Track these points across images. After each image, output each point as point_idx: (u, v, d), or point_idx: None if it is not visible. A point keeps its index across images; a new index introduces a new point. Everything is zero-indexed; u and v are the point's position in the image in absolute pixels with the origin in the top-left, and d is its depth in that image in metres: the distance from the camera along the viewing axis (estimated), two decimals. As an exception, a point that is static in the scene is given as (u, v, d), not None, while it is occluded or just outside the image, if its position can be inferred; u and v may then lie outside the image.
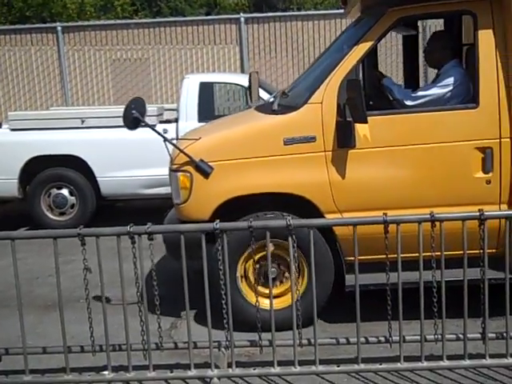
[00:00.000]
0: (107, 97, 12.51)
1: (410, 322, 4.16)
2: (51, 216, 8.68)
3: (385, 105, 5.07)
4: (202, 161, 4.77)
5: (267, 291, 4.29)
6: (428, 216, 3.76)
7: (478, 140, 4.68)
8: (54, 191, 8.66)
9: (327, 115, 4.68)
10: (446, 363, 3.85)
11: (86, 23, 13.93)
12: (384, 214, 3.80)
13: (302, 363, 3.85)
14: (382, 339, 4.05)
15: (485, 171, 4.71)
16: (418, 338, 3.88)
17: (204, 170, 4.77)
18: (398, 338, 3.85)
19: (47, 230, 7.26)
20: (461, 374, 3.99)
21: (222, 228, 3.80)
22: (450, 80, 4.91)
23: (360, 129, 4.63)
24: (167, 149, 5.04)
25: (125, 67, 12.45)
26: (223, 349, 4.13)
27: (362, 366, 3.84)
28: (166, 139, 4.95)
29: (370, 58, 6.11)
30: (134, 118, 4.82)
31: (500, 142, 4.66)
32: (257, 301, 4.00)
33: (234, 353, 3.94)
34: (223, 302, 3.85)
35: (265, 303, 4.29)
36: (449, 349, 3.94)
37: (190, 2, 26.98)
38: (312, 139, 4.71)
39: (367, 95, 5.48)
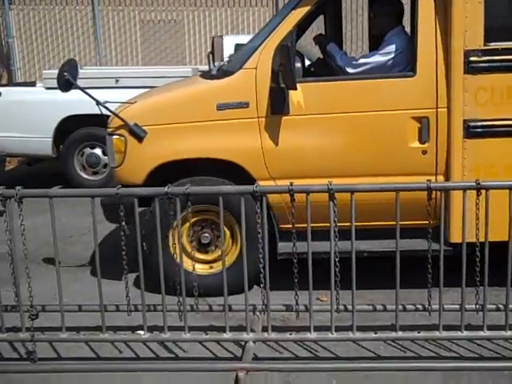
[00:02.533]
0: (141, 57, 12.46)
1: (448, 290, 4.06)
2: (84, 175, 8.74)
3: (328, 71, 4.97)
4: (135, 125, 4.73)
5: (202, 256, 4.72)
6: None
7: (415, 109, 4.57)
8: (88, 150, 8.71)
9: (261, 81, 4.59)
10: (486, 333, 3.76)
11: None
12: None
13: (338, 329, 3.79)
14: (420, 307, 3.97)
15: (421, 141, 4.60)
16: (458, 307, 3.79)
17: (137, 134, 4.73)
18: (436, 306, 3.76)
19: (84, 188, 7.28)
20: (500, 345, 3.91)
21: (262, 191, 3.72)
22: (392, 47, 4.78)
23: (294, 95, 4.54)
24: (101, 111, 4.94)
25: (158, 28, 12.36)
26: (258, 313, 4.10)
27: (400, 334, 3.76)
28: (98, 102, 4.86)
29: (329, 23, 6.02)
30: (65, 80, 4.74)
31: (437, 111, 4.55)
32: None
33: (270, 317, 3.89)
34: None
35: (199, 268, 4.27)
36: (488, 319, 3.83)
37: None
38: (245, 105, 4.63)
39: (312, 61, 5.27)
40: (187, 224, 4.53)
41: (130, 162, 4.83)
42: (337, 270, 3.70)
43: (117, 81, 8.52)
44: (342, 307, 3.94)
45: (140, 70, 9.89)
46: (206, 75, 5.07)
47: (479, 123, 4.50)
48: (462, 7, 4.38)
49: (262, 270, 3.75)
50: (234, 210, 4.09)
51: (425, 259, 3.72)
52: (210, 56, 5.67)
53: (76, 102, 8.36)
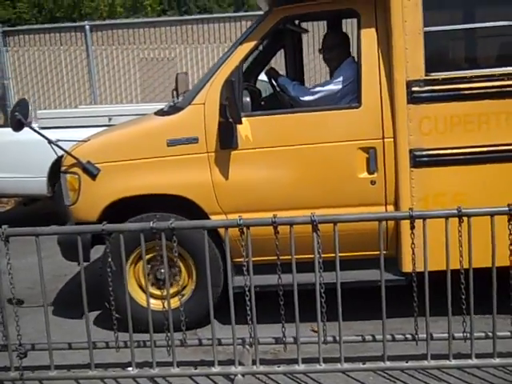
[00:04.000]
0: (134, 95, 12.63)
1: (437, 319, 4.08)
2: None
3: (279, 105, 5.07)
4: (88, 162, 4.82)
5: (157, 292, 4.70)
6: (456, 211, 3.66)
7: (362, 140, 4.64)
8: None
9: (210, 116, 4.68)
10: (474, 361, 3.77)
11: (113, 21, 14.01)
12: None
13: (326, 360, 3.81)
14: (409, 337, 3.99)
15: (369, 172, 4.66)
16: (446, 335, 3.80)
17: (90, 172, 4.82)
18: (424, 335, 3.77)
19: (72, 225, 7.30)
20: (490, 373, 3.92)
21: (246, 224, 3.76)
22: (344, 77, 4.86)
23: (242, 130, 4.64)
24: (54, 150, 5.09)
25: (152, 66, 12.50)
26: (247, 346, 4.11)
27: (389, 364, 3.78)
28: (50, 141, 4.97)
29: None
30: (17, 120, 4.87)
31: (383, 142, 4.63)
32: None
33: (259, 350, 3.90)
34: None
35: (152, 304, 4.30)
36: (477, 347, 3.85)
37: (218, 1, 27.04)
38: (194, 140, 4.72)
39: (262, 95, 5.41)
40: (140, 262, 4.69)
41: (84, 200, 4.92)
42: (323, 300, 3.72)
43: (110, 119, 8.59)
44: (330, 338, 3.97)
45: (132, 107, 9.99)
46: (159, 112, 5.14)
47: (424, 152, 4.60)
48: (402, 39, 4.48)
49: (248, 303, 3.77)
50: (188, 245, 4.09)
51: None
52: (174, 93, 5.72)
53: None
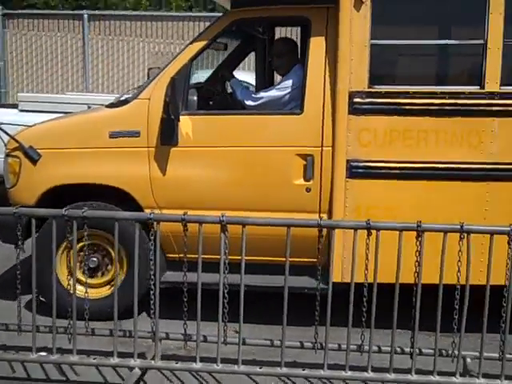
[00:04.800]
0: (126, 86, 12.63)
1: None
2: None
3: (228, 105, 5.09)
4: (30, 147, 4.85)
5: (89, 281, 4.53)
6: (364, 224, 3.66)
7: (300, 147, 4.65)
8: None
9: (153, 112, 4.70)
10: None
11: (112, 12, 14.08)
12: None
13: (224, 361, 3.79)
14: (308, 344, 3.97)
15: (305, 179, 4.65)
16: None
17: (31, 157, 4.85)
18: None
19: None
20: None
21: (156, 218, 3.76)
22: (289, 83, 4.86)
23: (184, 127, 4.68)
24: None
25: (146, 58, 12.55)
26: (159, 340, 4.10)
27: (285, 370, 3.77)
28: None
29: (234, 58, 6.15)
30: None
31: (322, 150, 4.63)
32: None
33: (174, 346, 4.01)
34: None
35: (79, 291, 4.24)
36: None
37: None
38: (136, 134, 4.74)
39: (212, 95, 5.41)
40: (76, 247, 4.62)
41: (23, 184, 4.96)
42: (225, 301, 3.71)
43: (89, 107, 8.62)
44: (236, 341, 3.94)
45: (111, 96, 10.01)
46: (109, 104, 5.16)
47: (361, 164, 4.59)
48: (348, 50, 4.48)
49: (152, 297, 3.77)
50: (121, 235, 4.09)
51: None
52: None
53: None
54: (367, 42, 4.52)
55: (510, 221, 4.18)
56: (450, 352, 3.85)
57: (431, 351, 3.83)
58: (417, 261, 3.66)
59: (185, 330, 3.82)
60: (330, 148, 4.63)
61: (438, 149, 4.57)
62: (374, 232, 3.66)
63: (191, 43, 4.89)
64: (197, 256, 3.78)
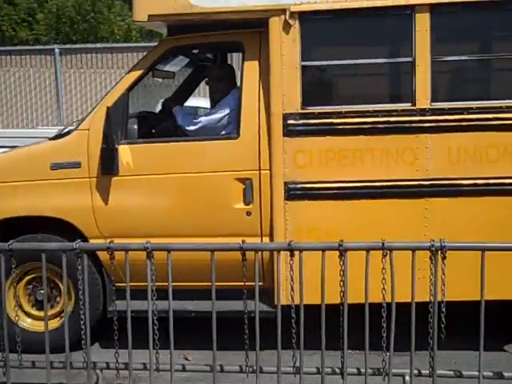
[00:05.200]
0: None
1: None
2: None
3: (172, 132, 5.10)
4: None
5: (34, 312, 4.88)
6: (287, 246, 3.66)
7: (238, 171, 4.68)
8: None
9: (93, 142, 4.75)
10: None
11: (82, 46, 14.22)
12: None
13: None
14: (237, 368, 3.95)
15: (245, 202, 4.68)
16: (275, 369, 3.76)
17: None
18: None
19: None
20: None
21: (82, 248, 3.78)
22: (226, 107, 4.90)
23: (123, 156, 4.72)
24: None
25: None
26: (98, 370, 4.08)
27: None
28: None
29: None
30: None
31: (259, 173, 4.67)
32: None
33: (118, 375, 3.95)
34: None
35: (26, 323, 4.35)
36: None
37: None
38: (77, 165, 4.79)
39: (155, 123, 5.44)
40: (23, 281, 4.81)
41: None
42: (155, 328, 3.71)
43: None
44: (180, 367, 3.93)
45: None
46: (53, 136, 5.20)
47: (299, 185, 4.61)
48: (280, 72, 4.52)
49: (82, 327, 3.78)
50: (68, 267, 4.11)
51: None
52: None
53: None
54: (298, 64, 4.57)
55: (450, 236, 4.21)
56: (383, 370, 3.83)
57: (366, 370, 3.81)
58: (341, 280, 3.65)
59: (116, 359, 3.81)
60: (268, 171, 4.66)
61: (374, 167, 4.59)
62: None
63: (128, 73, 4.94)
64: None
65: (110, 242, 3.75)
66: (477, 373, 3.81)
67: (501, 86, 4.83)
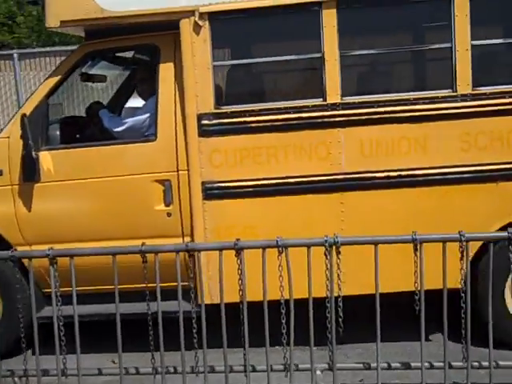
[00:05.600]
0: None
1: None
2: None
3: (96, 136, 5.13)
4: None
5: None
6: (184, 246, 3.70)
7: (157, 173, 4.74)
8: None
9: (13, 149, 4.78)
10: None
11: (41, 50, 14.13)
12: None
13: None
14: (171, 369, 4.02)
15: (165, 204, 4.74)
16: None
17: None
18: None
19: None
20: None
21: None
22: (150, 107, 4.91)
23: (45, 163, 4.75)
24: None
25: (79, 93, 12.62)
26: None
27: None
28: None
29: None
30: None
31: (178, 174, 4.72)
32: None
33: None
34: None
35: None
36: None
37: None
38: None
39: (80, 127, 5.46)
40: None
41: None
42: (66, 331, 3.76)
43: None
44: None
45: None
46: None
47: (215, 185, 4.68)
48: (192, 73, 4.57)
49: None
50: None
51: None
52: None
53: None
54: (210, 64, 4.60)
55: (366, 230, 4.30)
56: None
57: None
58: (240, 279, 3.70)
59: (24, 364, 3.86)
60: (186, 172, 4.70)
61: (289, 163, 4.64)
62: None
63: (46, 79, 4.96)
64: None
65: (12, 251, 3.79)
66: (384, 364, 3.88)
67: (408, 79, 4.91)
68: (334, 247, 3.66)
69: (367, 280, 3.77)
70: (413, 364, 3.97)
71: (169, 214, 4.76)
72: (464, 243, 3.61)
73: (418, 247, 3.65)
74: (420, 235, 3.65)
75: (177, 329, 3.85)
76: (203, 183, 4.68)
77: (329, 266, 3.68)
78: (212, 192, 4.69)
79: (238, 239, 3.71)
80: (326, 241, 3.65)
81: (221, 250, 3.72)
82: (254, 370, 3.93)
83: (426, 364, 3.82)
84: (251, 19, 4.62)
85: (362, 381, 4.23)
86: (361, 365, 4.01)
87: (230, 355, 3.82)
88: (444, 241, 3.67)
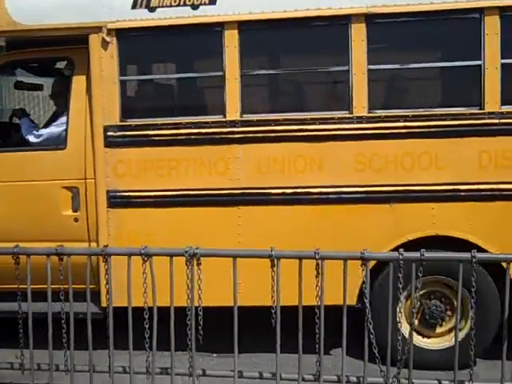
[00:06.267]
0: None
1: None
2: None
3: (16, 142, 5.30)
4: None
5: None
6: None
7: (66, 179, 4.93)
8: None
9: None
10: None
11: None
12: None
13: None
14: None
15: (73, 209, 4.95)
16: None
17: None
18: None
19: None
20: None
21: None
22: (64, 119, 5.05)
23: None
24: None
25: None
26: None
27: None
28: None
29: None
30: None
31: (85, 182, 4.92)
32: None
33: None
34: None
35: None
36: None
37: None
38: None
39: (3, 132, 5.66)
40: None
41: None
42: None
43: None
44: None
45: None
46: None
47: (119, 194, 4.86)
48: (100, 87, 4.76)
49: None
50: None
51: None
52: None
53: None
54: (116, 78, 4.78)
55: (262, 243, 4.38)
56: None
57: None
58: (144, 282, 3.85)
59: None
60: (93, 180, 4.87)
61: (189, 177, 4.79)
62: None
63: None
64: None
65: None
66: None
67: (306, 99, 5.01)
68: (194, 258, 3.76)
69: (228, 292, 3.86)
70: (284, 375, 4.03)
71: (76, 220, 4.95)
72: (320, 261, 3.69)
73: (276, 263, 3.74)
74: (276, 251, 3.74)
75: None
76: (108, 192, 4.85)
77: (190, 276, 3.78)
78: (116, 200, 4.86)
79: (145, 246, 3.87)
80: (186, 252, 3.76)
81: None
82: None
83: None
84: (156, 37, 4.79)
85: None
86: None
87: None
88: (300, 258, 3.75)
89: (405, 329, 4.76)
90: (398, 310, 4.58)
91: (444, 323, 4.83)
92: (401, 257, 3.65)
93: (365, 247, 3.96)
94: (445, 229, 4.61)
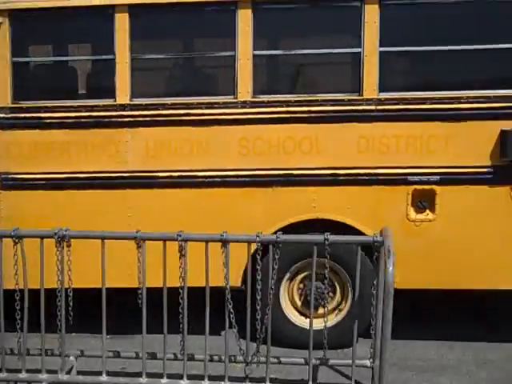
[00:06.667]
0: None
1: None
2: None
3: None
4: None
5: None
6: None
7: None
8: None
9: None
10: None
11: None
12: None
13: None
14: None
15: None
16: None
17: None
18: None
19: None
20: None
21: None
22: None
23: None
24: None
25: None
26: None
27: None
28: None
29: None
30: None
31: None
32: None
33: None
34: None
35: None
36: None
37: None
38: None
39: None
40: None
41: None
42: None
43: None
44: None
45: None
46: None
47: (11, 176, 4.93)
48: None
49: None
50: None
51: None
52: None
53: None
54: (8, 60, 4.84)
55: (152, 226, 4.50)
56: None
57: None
58: (15, 265, 3.95)
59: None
60: None
61: (80, 160, 4.87)
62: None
63: None
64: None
65: None
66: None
67: (193, 84, 5.13)
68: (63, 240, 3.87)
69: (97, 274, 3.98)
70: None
71: None
72: (182, 243, 3.83)
73: (141, 244, 3.87)
74: (142, 233, 3.88)
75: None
76: (0, 174, 4.90)
77: (60, 257, 3.90)
78: (8, 183, 4.93)
79: (16, 228, 3.96)
80: (55, 233, 3.87)
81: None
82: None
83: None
84: (48, 18, 4.83)
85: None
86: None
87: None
88: (164, 239, 3.89)
89: (288, 309, 5.01)
90: (280, 290, 4.80)
91: (327, 304, 4.99)
92: (257, 239, 3.80)
93: (249, 230, 4.15)
94: (325, 212, 4.77)
